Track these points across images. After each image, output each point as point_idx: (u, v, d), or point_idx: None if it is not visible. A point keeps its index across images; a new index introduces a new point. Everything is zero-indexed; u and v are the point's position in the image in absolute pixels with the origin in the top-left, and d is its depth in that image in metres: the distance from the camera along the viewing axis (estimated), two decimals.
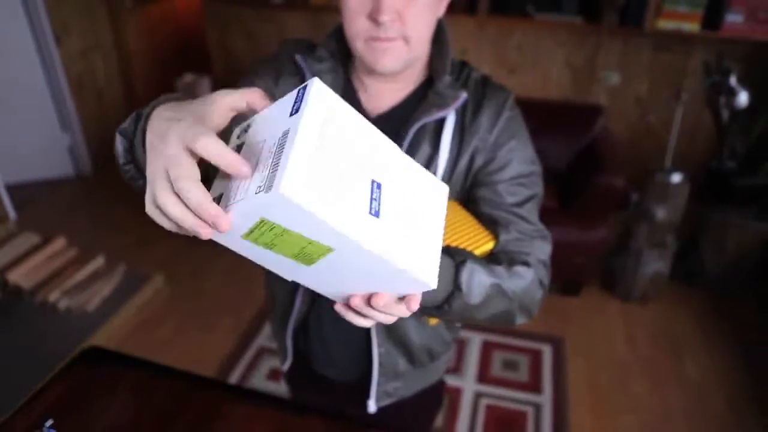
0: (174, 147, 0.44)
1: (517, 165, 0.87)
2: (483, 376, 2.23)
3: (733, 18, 2.59)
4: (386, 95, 0.91)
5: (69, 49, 3.41)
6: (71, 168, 3.66)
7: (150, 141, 0.49)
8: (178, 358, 2.23)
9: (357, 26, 0.79)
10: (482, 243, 0.83)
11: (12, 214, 3.08)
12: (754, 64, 2.70)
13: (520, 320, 0.82)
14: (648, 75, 2.94)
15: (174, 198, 0.44)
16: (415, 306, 0.55)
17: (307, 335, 1.05)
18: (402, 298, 0.55)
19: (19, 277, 2.47)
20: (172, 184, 0.44)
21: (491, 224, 0.86)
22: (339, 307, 0.58)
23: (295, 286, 0.98)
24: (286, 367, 1.11)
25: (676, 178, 2.40)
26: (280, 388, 2.17)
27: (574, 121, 2.77)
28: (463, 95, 0.86)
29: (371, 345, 0.99)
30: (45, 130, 3.48)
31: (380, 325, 0.97)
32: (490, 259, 0.81)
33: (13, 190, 3.19)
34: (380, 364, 1.00)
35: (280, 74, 0.90)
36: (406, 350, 1.01)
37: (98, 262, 2.65)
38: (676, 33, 2.69)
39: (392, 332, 0.98)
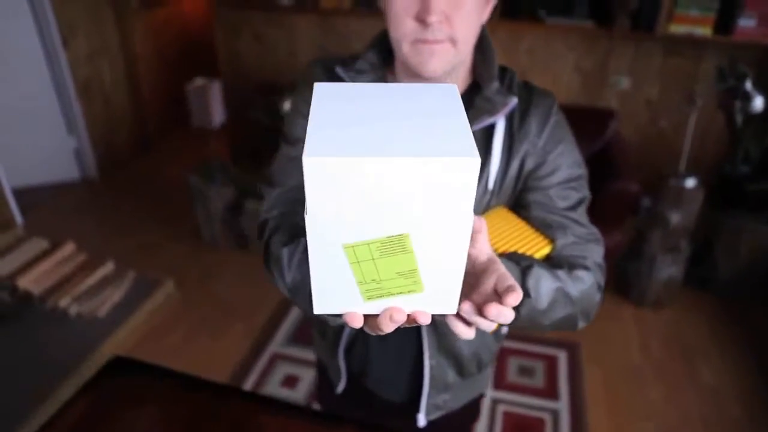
0: None
1: (567, 169, 0.87)
2: (499, 383, 2.22)
3: (746, 22, 2.59)
4: None
5: (76, 52, 3.39)
6: (77, 171, 3.64)
7: None
8: (190, 365, 2.21)
9: (404, 28, 0.77)
10: (540, 248, 0.83)
11: (18, 218, 3.05)
12: (761, 67, 2.70)
13: (581, 325, 0.81)
14: (659, 79, 2.94)
15: None
16: (516, 299, 0.53)
17: (357, 355, 1.04)
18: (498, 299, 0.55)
19: (28, 282, 2.45)
20: None
21: (546, 228, 0.85)
22: (450, 319, 0.58)
23: None
24: (340, 389, 1.09)
25: (691, 183, 2.39)
26: (295, 395, 2.15)
27: (587, 125, 2.75)
28: (514, 100, 0.84)
29: (423, 358, 0.98)
30: (51, 134, 3.46)
31: (432, 337, 0.96)
32: (550, 263, 0.80)
33: (19, 194, 3.17)
34: (431, 377, 0.99)
35: None
36: (456, 361, 1.00)
37: (108, 267, 2.62)
38: (688, 37, 2.69)
39: (443, 343, 0.97)
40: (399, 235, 0.46)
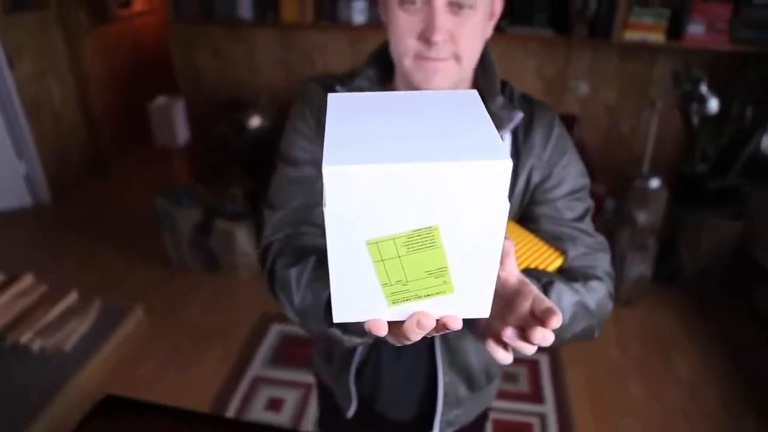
0: None
1: (572, 180, 0.87)
2: None
3: (695, 29, 2.72)
4: None
5: (22, 72, 3.23)
6: (29, 197, 3.45)
7: None
8: (167, 395, 2.12)
9: (406, 45, 0.77)
10: (552, 260, 0.83)
11: None
12: (714, 72, 2.83)
13: (597, 334, 0.82)
14: (616, 84, 3.05)
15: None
16: (558, 321, 0.52)
17: (368, 377, 1.02)
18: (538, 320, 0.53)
19: None
20: None
21: (556, 240, 0.85)
22: (491, 345, 0.55)
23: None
24: (351, 413, 1.06)
25: (655, 183, 2.48)
26: (280, 418, 2.09)
27: None
28: (519, 115, 0.84)
29: (437, 376, 0.97)
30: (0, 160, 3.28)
31: (445, 353, 0.96)
32: (565, 276, 0.80)
33: None
34: (445, 394, 0.98)
35: (320, 117, 0.86)
36: (467, 375, 0.99)
37: (71, 297, 2.49)
38: (642, 43, 2.80)
39: (455, 359, 0.97)
40: (428, 227, 0.42)
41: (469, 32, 0.76)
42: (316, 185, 0.84)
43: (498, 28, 3.10)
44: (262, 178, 2.85)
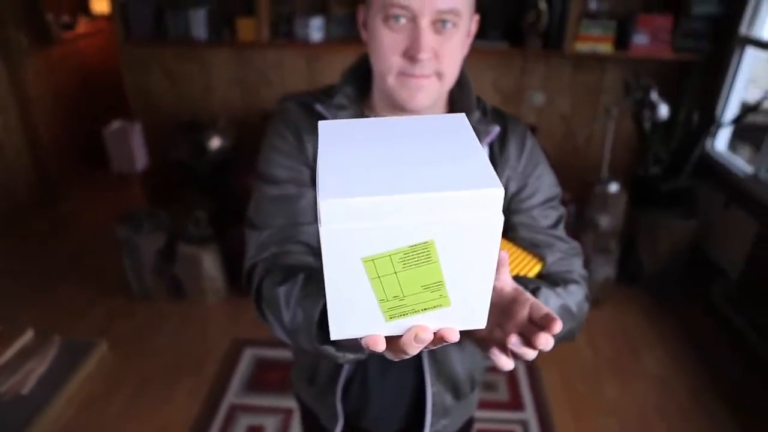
0: None
1: (546, 189, 0.90)
2: None
3: (640, 39, 2.86)
4: None
5: None
6: None
7: None
8: None
9: (390, 63, 0.77)
10: (531, 266, 0.85)
11: None
12: (660, 79, 2.98)
13: (577, 335, 0.85)
14: (570, 93, 3.16)
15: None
16: (560, 326, 0.53)
17: (355, 394, 1.00)
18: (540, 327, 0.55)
19: None
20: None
21: (533, 247, 0.87)
22: (495, 353, 0.57)
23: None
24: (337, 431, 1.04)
25: (614, 187, 2.58)
26: None
27: None
28: (496, 128, 0.86)
29: (424, 387, 0.97)
30: None
31: (432, 364, 0.96)
32: (546, 281, 0.82)
33: None
34: (433, 404, 0.98)
35: (300, 135, 0.86)
36: (453, 384, 1.00)
37: (27, 336, 2.35)
38: (592, 54, 2.92)
39: (441, 368, 0.97)
40: (423, 242, 0.42)
41: (452, 50, 0.77)
42: (299, 203, 0.84)
43: None
44: (225, 199, 2.79)
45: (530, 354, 0.55)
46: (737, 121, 2.67)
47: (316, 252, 0.86)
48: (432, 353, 0.95)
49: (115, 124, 2.51)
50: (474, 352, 1.01)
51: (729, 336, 2.58)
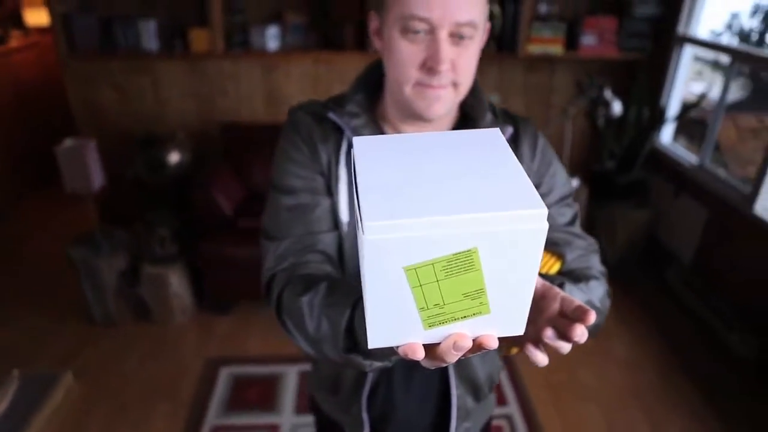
0: None
1: (561, 187, 0.92)
2: None
3: (588, 40, 3.00)
4: None
5: None
6: None
7: None
8: None
9: (408, 73, 0.78)
10: (551, 264, 0.86)
11: None
12: (609, 78, 3.13)
13: (600, 329, 0.86)
14: (523, 94, 3.26)
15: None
16: (593, 317, 0.53)
17: (380, 401, 1.00)
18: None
19: None
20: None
21: (552, 246, 0.89)
22: (530, 349, 0.57)
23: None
24: None
25: (575, 182, 2.68)
26: None
27: None
28: (509, 129, 0.88)
29: (449, 391, 0.98)
30: None
31: (455, 368, 0.97)
32: (569, 278, 0.84)
33: None
34: (457, 408, 0.99)
35: (313, 143, 0.86)
36: (474, 386, 1.01)
37: None
38: (544, 56, 3.03)
39: (463, 371, 0.98)
40: (467, 251, 0.42)
41: (468, 61, 0.78)
42: (314, 212, 0.84)
43: None
44: (188, 215, 2.70)
45: (566, 347, 0.55)
46: (681, 117, 2.84)
47: (334, 260, 0.86)
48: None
49: (68, 142, 2.37)
50: (493, 355, 1.02)
51: (687, 317, 2.73)
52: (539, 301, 0.59)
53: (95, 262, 2.50)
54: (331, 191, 0.86)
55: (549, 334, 0.54)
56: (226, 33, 2.97)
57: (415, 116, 0.84)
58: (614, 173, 2.86)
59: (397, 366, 0.96)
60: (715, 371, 2.42)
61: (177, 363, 2.42)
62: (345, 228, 0.85)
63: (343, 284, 0.74)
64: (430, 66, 0.75)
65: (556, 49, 3.01)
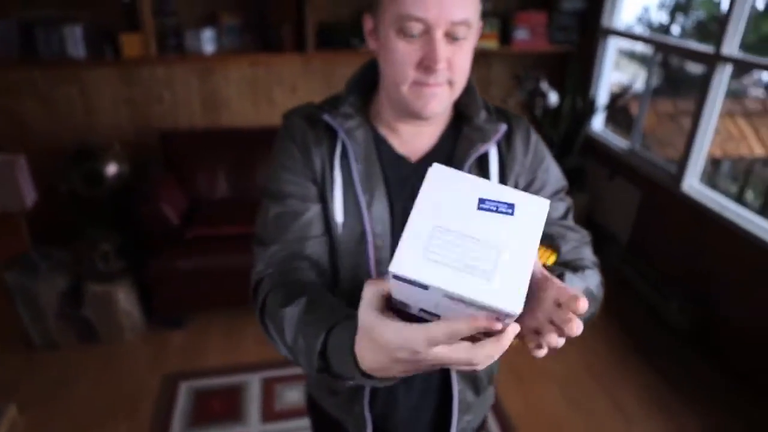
0: (424, 364, 0.55)
1: (554, 182, 0.95)
2: None
3: (521, 35, 3.11)
4: (423, 139, 0.91)
5: None
6: None
7: (386, 372, 0.58)
8: None
9: (405, 72, 0.78)
10: (547, 257, 0.89)
11: None
12: (544, 70, 3.27)
13: (593, 318, 0.90)
14: None
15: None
16: (586, 304, 0.56)
17: (382, 398, 1.00)
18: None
19: None
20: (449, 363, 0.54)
21: (547, 239, 0.92)
22: (534, 348, 0.61)
23: None
24: None
25: None
26: None
27: None
28: (503, 127, 0.90)
29: (450, 386, 0.99)
30: None
31: None
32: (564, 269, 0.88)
33: None
34: (459, 402, 1.00)
35: (306, 148, 0.87)
36: (473, 380, 1.02)
37: None
38: (480, 51, 3.12)
39: None
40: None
41: (463, 60, 0.79)
42: (303, 218, 0.85)
43: (350, 47, 3.24)
44: (131, 228, 2.58)
45: (561, 343, 0.58)
46: (610, 106, 3.01)
47: (321, 266, 0.87)
48: None
49: None
50: None
51: (629, 293, 2.90)
52: (538, 292, 0.59)
53: (32, 285, 2.34)
54: (324, 196, 0.86)
55: (550, 335, 0.58)
56: (158, 37, 2.86)
57: (411, 114, 0.84)
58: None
59: None
60: (657, 341, 2.59)
61: (132, 382, 2.32)
62: (340, 229, 0.86)
63: (324, 301, 0.74)
64: (426, 65, 0.76)
65: (492, 44, 3.11)
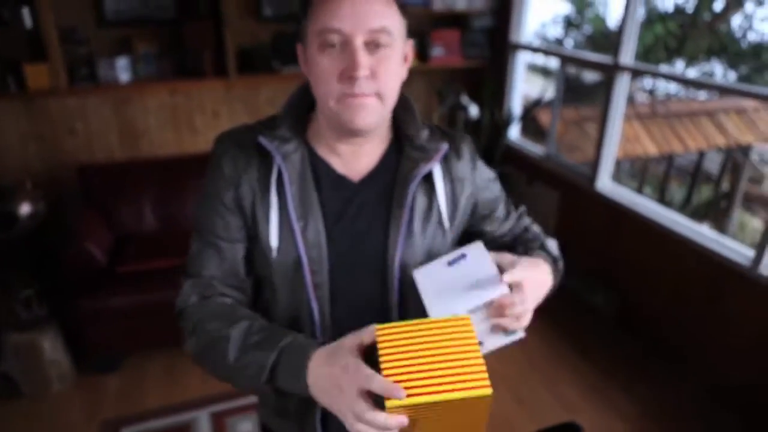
0: (350, 395, 0.66)
1: (498, 191, 1.03)
2: None
3: (437, 52, 3.26)
4: (362, 158, 0.91)
5: None
6: None
7: (322, 389, 0.71)
8: None
9: (329, 86, 0.79)
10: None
11: None
12: (460, 84, 3.42)
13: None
14: None
15: (364, 426, 0.66)
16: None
17: (333, 422, 0.98)
18: None
19: None
20: (358, 417, 0.66)
21: (513, 240, 1.05)
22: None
23: None
24: None
25: None
26: None
27: None
28: (445, 146, 0.91)
29: None
30: None
31: None
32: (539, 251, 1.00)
33: None
34: None
35: (235, 176, 0.87)
36: None
37: None
38: None
39: None
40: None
41: (388, 70, 0.80)
42: (227, 255, 0.89)
43: (272, 70, 3.24)
44: (52, 270, 2.42)
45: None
46: (524, 117, 3.21)
47: (244, 291, 0.92)
48: None
49: None
50: None
51: (558, 288, 3.07)
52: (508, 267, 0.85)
53: None
54: (256, 222, 0.86)
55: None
56: (69, 66, 2.72)
57: (345, 131, 0.84)
58: None
59: None
60: (589, 332, 2.78)
61: (71, 427, 2.16)
62: (275, 254, 0.85)
63: (262, 323, 0.83)
64: (348, 74, 0.77)
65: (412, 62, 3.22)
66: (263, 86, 3.19)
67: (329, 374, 0.69)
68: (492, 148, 3.14)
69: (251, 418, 2.23)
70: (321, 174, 0.88)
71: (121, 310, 2.38)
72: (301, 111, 0.90)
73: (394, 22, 0.79)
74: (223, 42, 2.93)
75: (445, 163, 0.93)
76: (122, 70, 2.81)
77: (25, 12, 2.53)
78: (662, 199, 5.59)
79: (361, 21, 0.75)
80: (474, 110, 2.84)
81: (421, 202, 0.90)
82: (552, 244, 1.02)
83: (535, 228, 1.07)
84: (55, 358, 2.35)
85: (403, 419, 0.64)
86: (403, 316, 0.91)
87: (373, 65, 0.78)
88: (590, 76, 6.21)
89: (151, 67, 2.92)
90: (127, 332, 2.44)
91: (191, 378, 2.45)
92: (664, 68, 5.50)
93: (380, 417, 0.64)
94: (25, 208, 2.50)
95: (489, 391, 0.62)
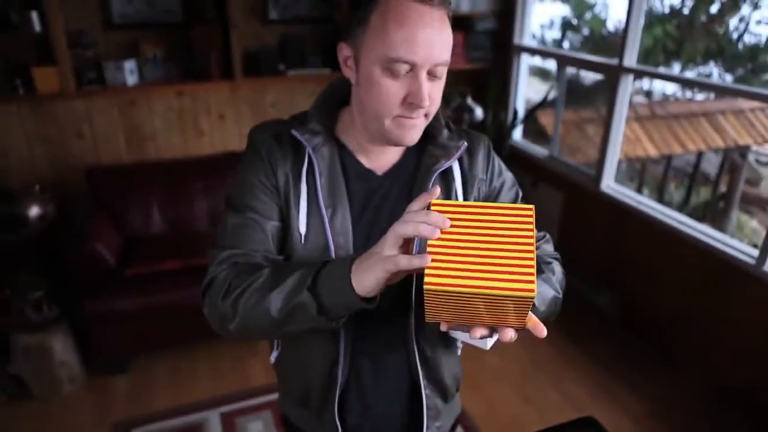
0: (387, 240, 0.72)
1: (508, 191, 1.05)
2: None
3: None
4: (390, 155, 0.97)
5: None
6: None
7: (359, 267, 0.74)
8: None
9: (389, 108, 0.83)
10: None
11: None
12: (464, 86, 3.45)
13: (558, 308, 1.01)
14: None
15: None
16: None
17: (351, 407, 1.02)
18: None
19: None
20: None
21: None
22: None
23: (335, 359, 0.97)
24: None
25: None
26: None
27: None
28: (464, 144, 0.97)
29: (419, 392, 1.02)
30: None
31: (423, 368, 1.01)
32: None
33: None
34: (427, 407, 1.03)
35: (272, 162, 0.91)
36: (441, 387, 1.06)
37: None
38: None
39: (430, 373, 1.03)
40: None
41: (439, 91, 0.86)
42: (263, 231, 0.90)
43: (277, 73, 3.27)
44: (62, 271, 2.43)
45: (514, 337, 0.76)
46: (528, 118, 3.24)
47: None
48: (423, 357, 1.01)
49: None
50: (457, 358, 1.11)
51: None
52: None
53: None
54: (288, 209, 0.90)
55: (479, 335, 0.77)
56: (76, 70, 2.74)
57: (390, 143, 0.89)
58: None
59: (365, 370, 1.00)
60: (593, 331, 2.80)
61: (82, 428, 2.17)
62: (303, 240, 0.90)
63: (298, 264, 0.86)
64: (411, 101, 0.81)
65: None
66: (269, 88, 3.21)
67: (368, 252, 0.74)
68: (497, 150, 3.15)
69: (262, 418, 2.25)
70: (348, 167, 0.93)
71: (130, 311, 2.39)
72: (331, 108, 0.95)
73: (449, 52, 0.83)
74: (229, 45, 2.95)
75: (464, 161, 0.98)
76: (129, 73, 2.83)
77: (34, 16, 2.55)
78: (661, 199, 5.63)
79: (431, 56, 0.78)
80: (479, 112, 2.87)
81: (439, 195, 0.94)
82: (557, 271, 1.01)
83: (555, 265, 1.05)
84: (66, 359, 2.35)
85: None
86: (420, 298, 0.94)
87: (430, 92, 0.82)
88: (589, 79, 6.25)
89: (157, 69, 2.94)
90: (135, 334, 2.45)
91: (200, 379, 2.46)
92: (662, 71, 5.55)
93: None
94: (34, 211, 2.50)
95: (533, 293, 0.58)
